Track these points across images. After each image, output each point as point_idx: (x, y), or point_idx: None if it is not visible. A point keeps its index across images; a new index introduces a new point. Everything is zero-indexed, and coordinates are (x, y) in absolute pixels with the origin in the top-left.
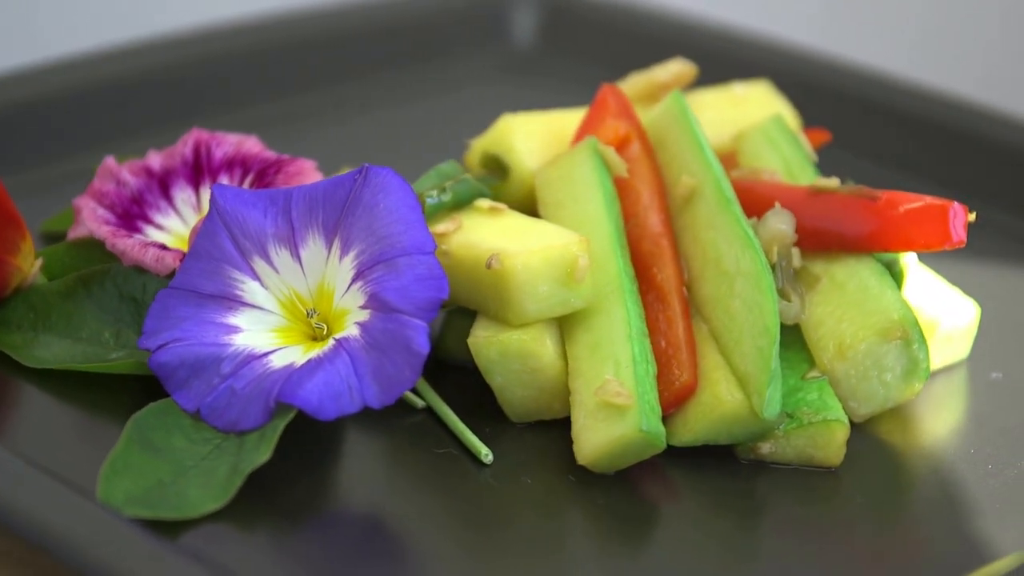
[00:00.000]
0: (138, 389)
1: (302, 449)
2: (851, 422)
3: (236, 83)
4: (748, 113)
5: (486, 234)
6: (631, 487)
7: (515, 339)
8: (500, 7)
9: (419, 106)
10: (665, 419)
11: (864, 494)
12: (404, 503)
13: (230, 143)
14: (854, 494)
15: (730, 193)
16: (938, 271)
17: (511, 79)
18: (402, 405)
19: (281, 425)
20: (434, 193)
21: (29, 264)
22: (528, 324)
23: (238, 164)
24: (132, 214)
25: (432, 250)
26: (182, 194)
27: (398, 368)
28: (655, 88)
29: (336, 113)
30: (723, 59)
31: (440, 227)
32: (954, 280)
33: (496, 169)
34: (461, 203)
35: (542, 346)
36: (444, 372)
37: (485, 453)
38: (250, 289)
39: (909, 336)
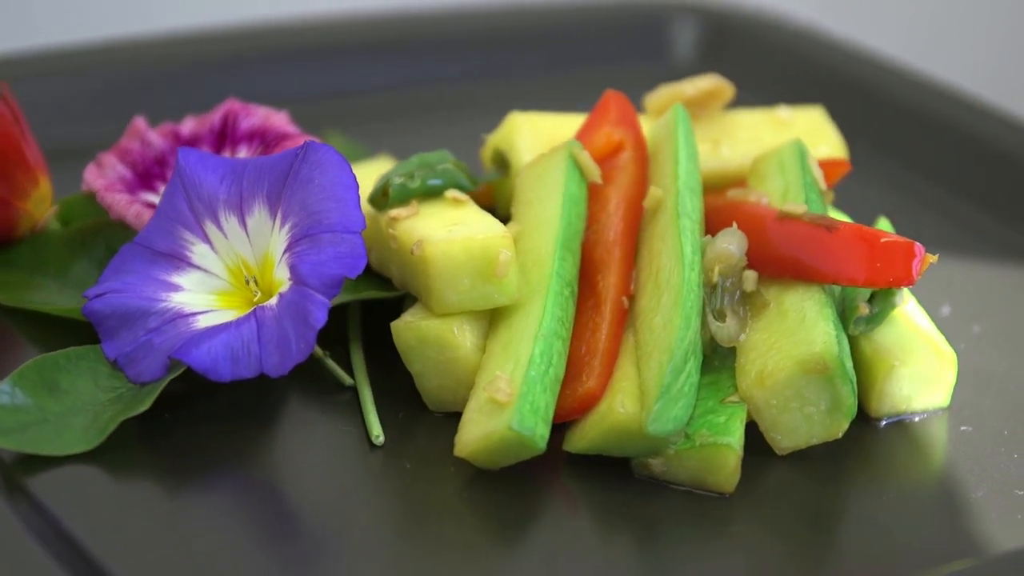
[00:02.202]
0: None
1: (210, 410)
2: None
3: (391, 73)
4: (782, 136)
5: (430, 222)
6: (514, 487)
7: (434, 327)
8: (661, 21)
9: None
10: (566, 425)
11: (753, 527)
12: (279, 470)
13: (258, 115)
14: (742, 524)
15: (684, 208)
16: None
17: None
18: (336, 381)
19: (166, 380)
20: (399, 178)
21: (42, 210)
22: (451, 314)
23: (259, 136)
24: (152, 174)
25: (359, 229)
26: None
27: (295, 340)
28: (682, 101)
29: (485, 113)
30: (876, 92)
31: (395, 211)
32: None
33: (502, 165)
34: (433, 191)
35: (460, 337)
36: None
37: (376, 435)
38: (199, 251)
39: (830, 371)
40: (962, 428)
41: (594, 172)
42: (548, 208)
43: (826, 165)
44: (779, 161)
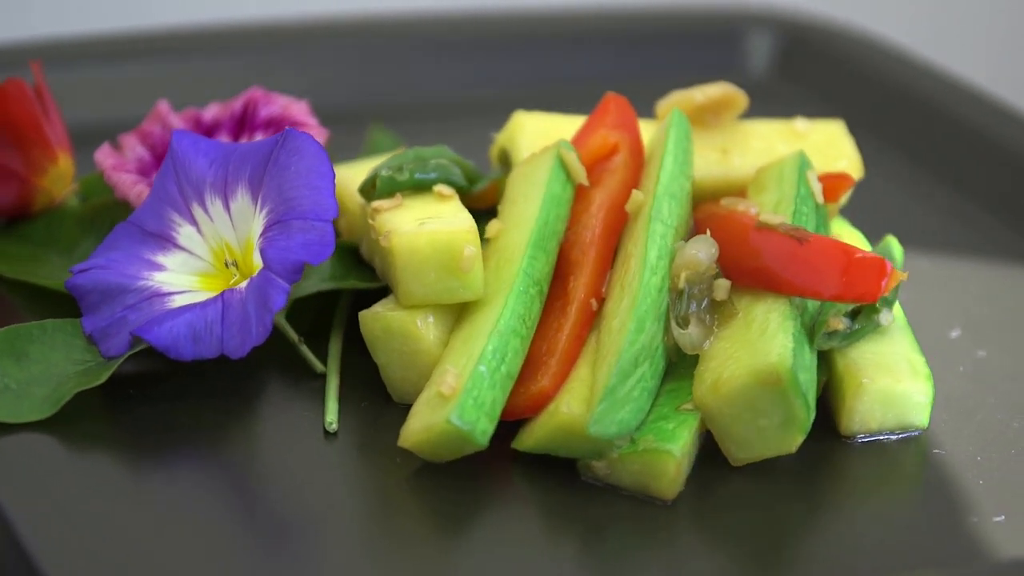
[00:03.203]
0: None
1: (178, 389)
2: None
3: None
4: (795, 148)
5: (407, 215)
6: (459, 481)
7: (399, 319)
8: (737, 30)
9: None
10: (518, 423)
11: (695, 537)
12: (230, 451)
13: (278, 104)
14: (685, 534)
15: (659, 213)
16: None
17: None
18: (310, 368)
19: (124, 356)
20: (388, 170)
21: (60, 187)
22: (418, 307)
23: (276, 125)
24: None
25: (330, 218)
26: None
27: (256, 323)
28: (692, 108)
29: None
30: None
31: (379, 203)
32: None
33: (505, 163)
34: (422, 185)
35: (424, 330)
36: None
37: (330, 421)
38: (186, 233)
39: (783, 383)
40: (935, 451)
41: (580, 174)
42: (528, 207)
43: (828, 179)
44: (779, 172)
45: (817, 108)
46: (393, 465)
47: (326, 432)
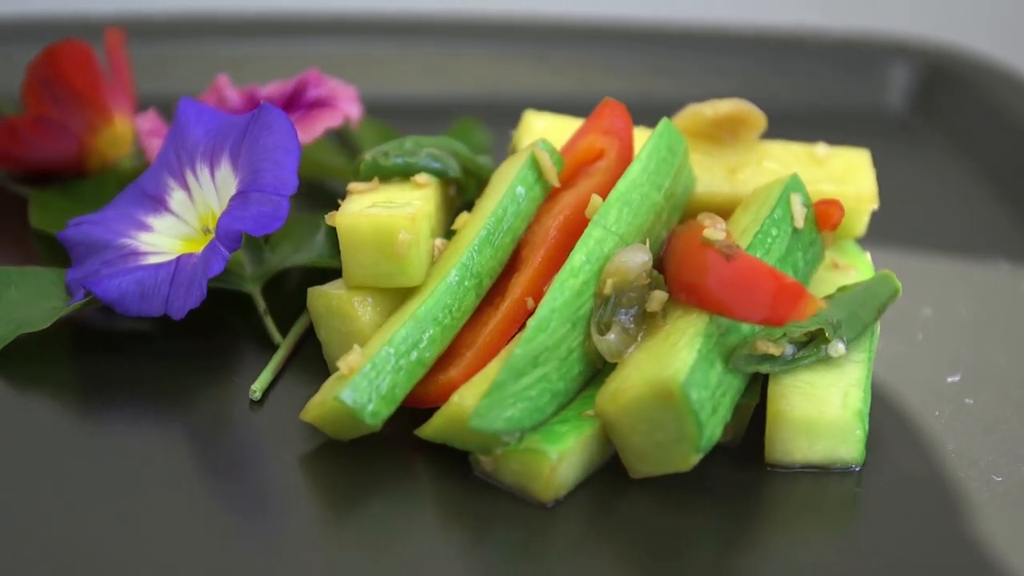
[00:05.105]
0: None
1: (127, 344)
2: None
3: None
4: (808, 171)
5: (369, 198)
6: (356, 463)
7: (340, 297)
8: (878, 62)
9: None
10: (428, 411)
11: (576, 542)
12: (154, 409)
13: (327, 87)
14: (565, 539)
15: (605, 218)
16: None
17: (880, 132)
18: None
19: (71, 306)
20: (370, 156)
21: (115, 150)
22: (361, 288)
23: (319, 105)
24: None
25: (288, 193)
26: None
27: (196, 287)
28: (703, 123)
29: None
30: None
31: (355, 185)
32: None
33: None
34: (408, 171)
35: (360, 310)
36: None
37: (254, 389)
38: (178, 198)
39: (674, 398)
40: (856, 489)
41: (552, 176)
42: (489, 203)
43: (819, 206)
44: (766, 193)
45: (952, 143)
46: (299, 439)
47: (251, 400)
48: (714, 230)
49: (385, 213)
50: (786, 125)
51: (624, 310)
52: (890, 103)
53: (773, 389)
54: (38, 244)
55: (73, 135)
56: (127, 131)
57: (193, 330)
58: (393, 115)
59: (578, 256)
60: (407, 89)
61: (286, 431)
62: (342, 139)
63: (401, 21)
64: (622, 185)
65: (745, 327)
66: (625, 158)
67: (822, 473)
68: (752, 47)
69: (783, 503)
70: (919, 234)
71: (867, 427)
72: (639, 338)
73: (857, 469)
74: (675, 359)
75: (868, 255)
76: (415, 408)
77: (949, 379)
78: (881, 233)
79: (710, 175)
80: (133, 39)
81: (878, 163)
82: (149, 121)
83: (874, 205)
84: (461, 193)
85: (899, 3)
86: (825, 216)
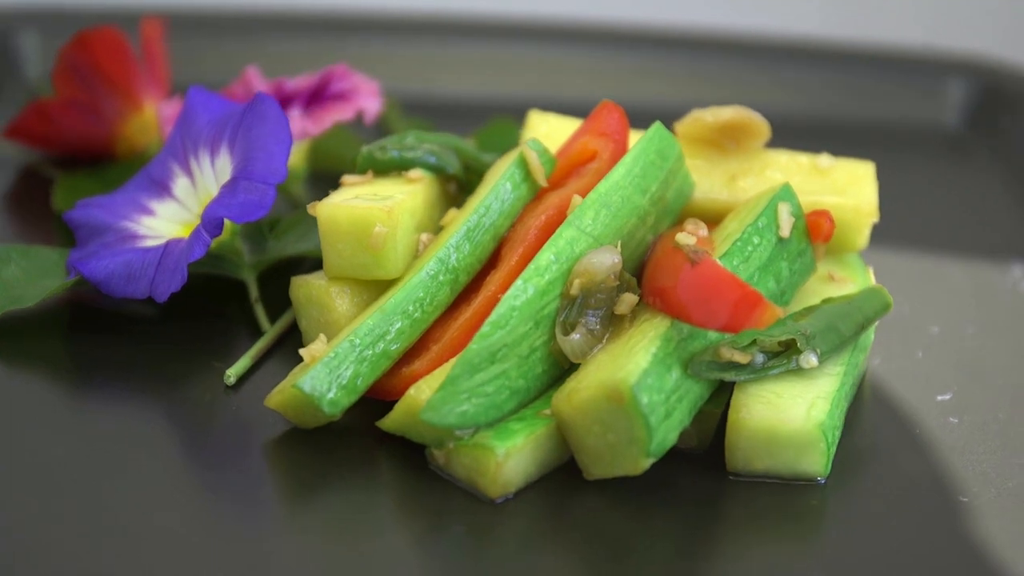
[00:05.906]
0: None
1: (117, 325)
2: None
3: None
4: (810, 181)
5: (356, 190)
6: (318, 453)
7: (318, 287)
8: (931, 80)
9: None
10: (394, 403)
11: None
12: (143, 386)
13: (350, 81)
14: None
15: (580, 219)
16: None
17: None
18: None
19: (59, 286)
20: (367, 148)
21: (144, 136)
22: (341, 278)
23: (341, 98)
24: None
25: (276, 181)
26: (292, 113)
27: (179, 271)
28: (704, 129)
29: None
30: None
31: (349, 177)
32: None
33: None
34: (405, 166)
35: (337, 300)
36: None
37: (229, 375)
38: (181, 184)
39: (624, 400)
40: (812, 502)
41: (539, 176)
42: (475, 199)
43: (811, 216)
44: (756, 201)
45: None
46: (265, 426)
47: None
48: (685, 235)
49: (363, 205)
50: (834, 138)
51: (592, 311)
52: (945, 120)
53: (737, 397)
54: (56, 225)
55: (102, 120)
56: (156, 119)
57: (187, 315)
58: (435, 113)
59: (546, 255)
60: (453, 88)
61: (254, 418)
62: (381, 132)
63: (458, 21)
64: (602, 187)
65: (712, 334)
66: (617, 161)
67: (786, 484)
68: (799, 57)
69: (743, 511)
70: (958, 252)
71: (834, 440)
72: (604, 340)
73: (822, 482)
74: (629, 361)
75: (871, 269)
76: (382, 400)
77: (939, 397)
78: (917, 247)
79: (709, 182)
80: (176, 30)
81: (928, 179)
82: (171, 109)
83: (874, 218)
84: (464, 191)
85: (958, 20)
86: (816, 227)
